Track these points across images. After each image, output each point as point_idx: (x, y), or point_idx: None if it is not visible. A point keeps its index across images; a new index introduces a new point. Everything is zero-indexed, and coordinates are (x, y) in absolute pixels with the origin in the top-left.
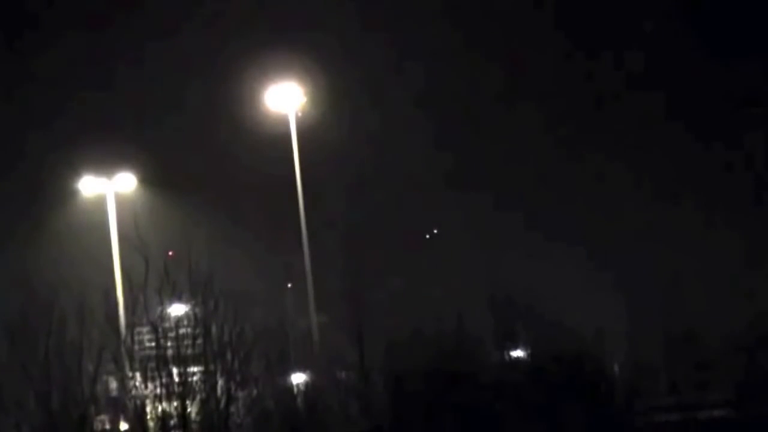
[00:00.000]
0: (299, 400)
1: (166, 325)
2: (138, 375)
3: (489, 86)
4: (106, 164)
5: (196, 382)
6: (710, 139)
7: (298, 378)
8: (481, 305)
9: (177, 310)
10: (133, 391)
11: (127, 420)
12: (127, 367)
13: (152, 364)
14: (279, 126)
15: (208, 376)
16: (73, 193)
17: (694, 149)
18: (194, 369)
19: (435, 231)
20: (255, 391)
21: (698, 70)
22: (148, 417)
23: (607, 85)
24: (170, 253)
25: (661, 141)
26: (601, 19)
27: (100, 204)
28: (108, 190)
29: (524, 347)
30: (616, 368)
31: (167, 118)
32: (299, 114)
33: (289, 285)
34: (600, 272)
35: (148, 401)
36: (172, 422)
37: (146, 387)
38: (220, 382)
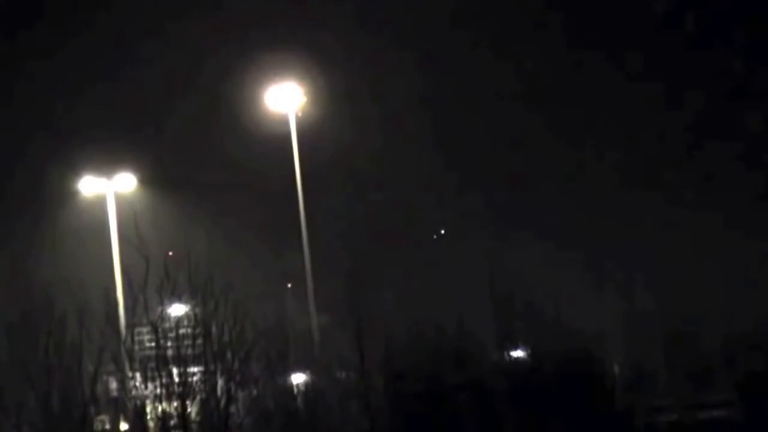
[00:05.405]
0: (299, 400)
1: (166, 325)
2: (138, 375)
3: (490, 86)
4: (106, 164)
5: (196, 382)
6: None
7: (298, 378)
8: (481, 305)
9: (177, 310)
10: (133, 391)
11: (127, 420)
12: (127, 367)
13: (152, 364)
14: (279, 126)
15: (208, 376)
16: (73, 193)
17: (694, 148)
18: (194, 369)
19: (442, 231)
20: (255, 391)
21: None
22: (148, 417)
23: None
24: (170, 253)
25: (662, 140)
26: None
27: (100, 204)
28: (108, 190)
29: (524, 347)
30: (616, 368)
31: (167, 118)
32: (299, 114)
33: (289, 285)
34: (600, 272)
35: (148, 401)
36: (172, 422)
37: (146, 387)
38: (220, 382)
